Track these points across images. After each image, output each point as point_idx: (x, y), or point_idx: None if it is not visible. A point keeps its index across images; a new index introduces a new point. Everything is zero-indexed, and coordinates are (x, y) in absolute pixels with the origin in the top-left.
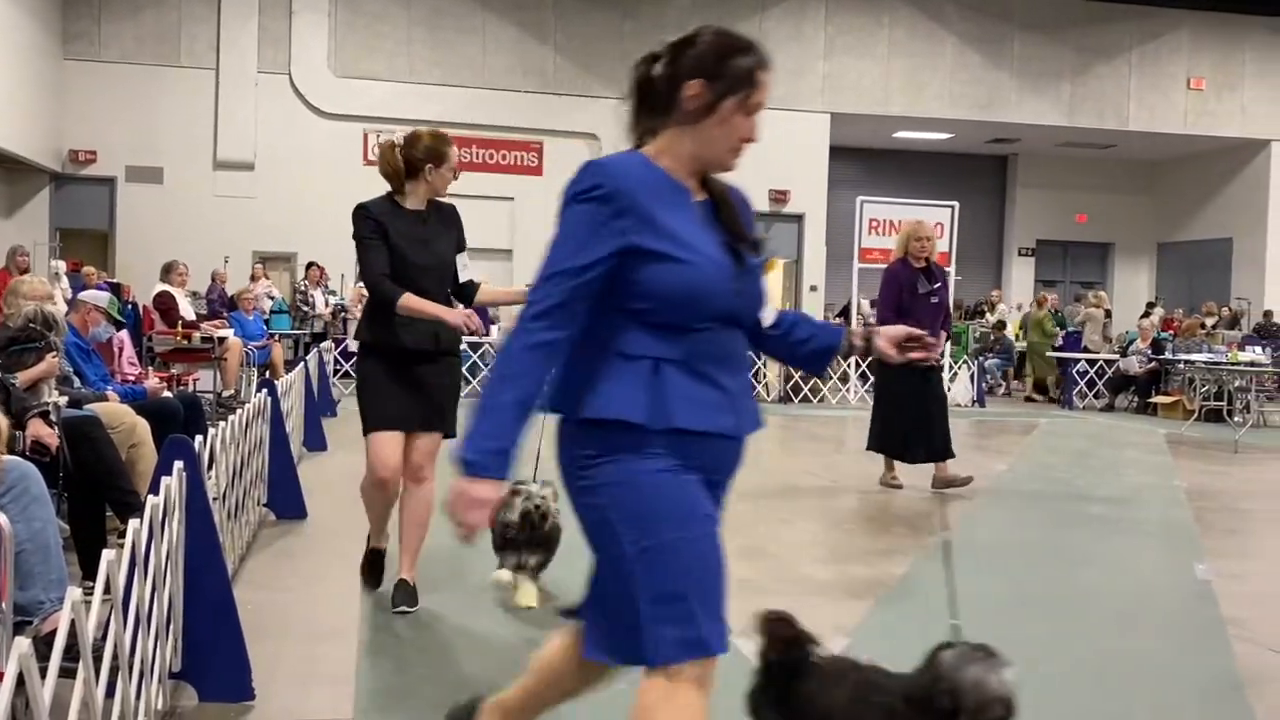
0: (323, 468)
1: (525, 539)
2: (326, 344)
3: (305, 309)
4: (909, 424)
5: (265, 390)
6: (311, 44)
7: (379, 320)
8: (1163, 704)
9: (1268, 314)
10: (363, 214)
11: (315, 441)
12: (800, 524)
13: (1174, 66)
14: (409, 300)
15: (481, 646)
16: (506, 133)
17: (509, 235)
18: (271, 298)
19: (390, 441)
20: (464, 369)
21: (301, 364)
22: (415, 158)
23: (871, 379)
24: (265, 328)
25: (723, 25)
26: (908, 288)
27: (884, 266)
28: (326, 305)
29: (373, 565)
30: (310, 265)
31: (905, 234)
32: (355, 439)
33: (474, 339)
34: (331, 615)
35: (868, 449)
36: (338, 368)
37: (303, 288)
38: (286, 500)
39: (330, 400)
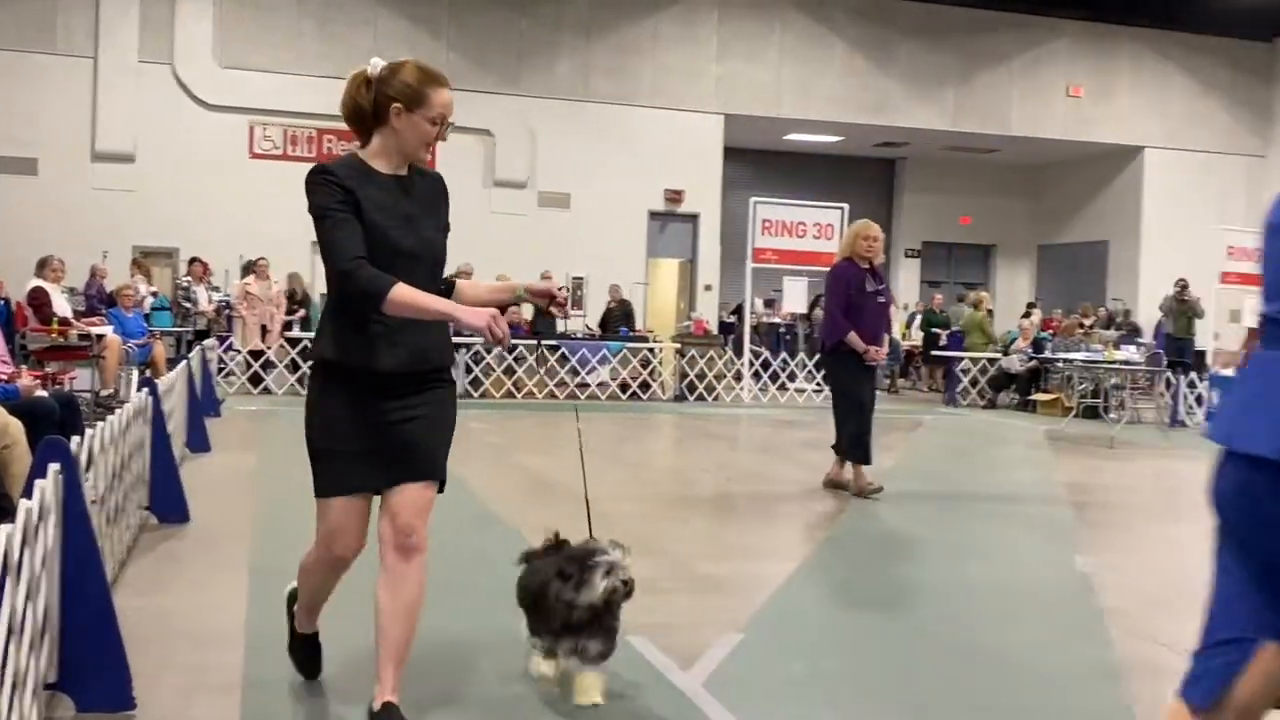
0: (206, 469)
1: (594, 623)
2: (210, 342)
3: (187, 306)
4: (858, 428)
5: (146, 389)
6: (195, 33)
7: (349, 327)
8: (1045, 693)
9: (1127, 313)
10: (325, 178)
11: (198, 442)
12: (696, 522)
13: (1054, 74)
14: (405, 295)
15: None
16: None
17: None
18: (153, 294)
19: (355, 511)
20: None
21: (184, 362)
22: (384, 95)
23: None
24: (146, 325)
25: (617, 26)
26: (856, 287)
27: (776, 266)
28: (210, 302)
29: (307, 652)
30: (193, 261)
31: (853, 233)
32: (242, 439)
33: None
34: (217, 620)
35: (850, 459)
36: (222, 366)
37: (185, 284)
38: (169, 503)
39: (214, 400)
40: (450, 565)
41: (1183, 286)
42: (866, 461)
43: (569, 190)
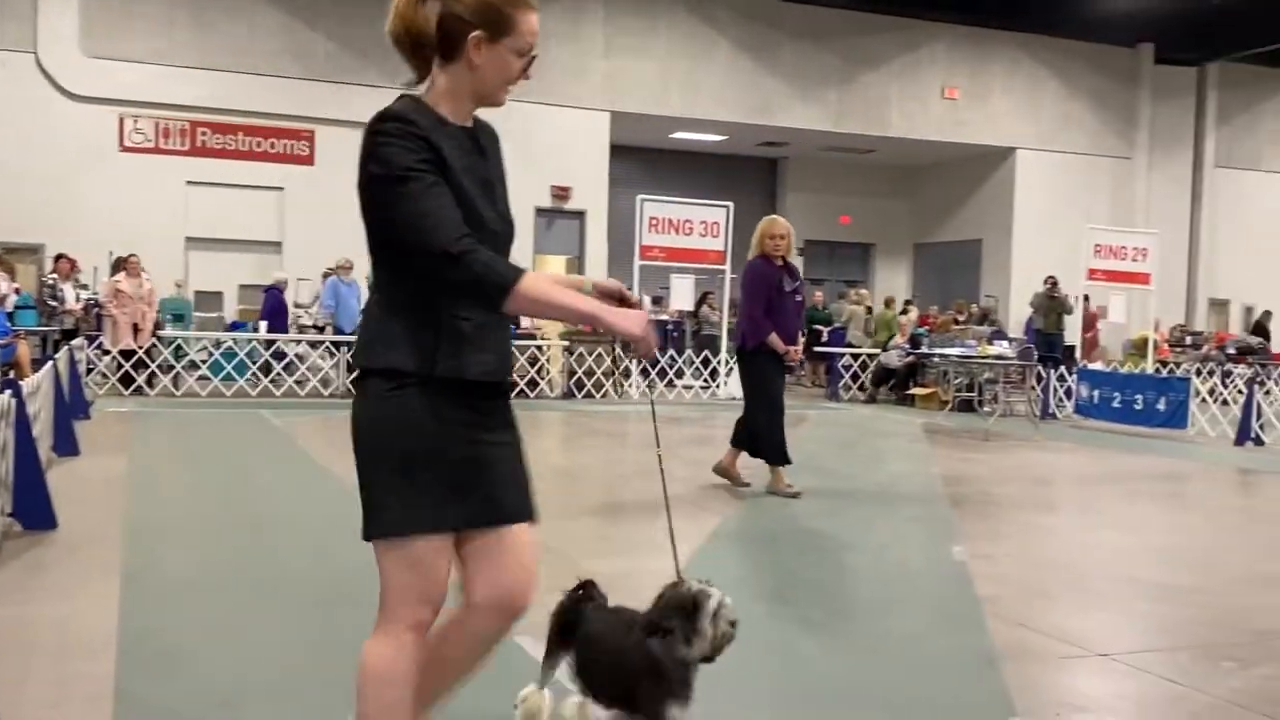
0: (75, 474)
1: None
2: (78, 341)
3: (54, 304)
4: (778, 427)
5: (9, 391)
6: (60, 21)
7: (426, 326)
8: (924, 679)
9: (986, 312)
10: (403, 127)
11: (66, 446)
12: (584, 519)
13: (931, 77)
14: (539, 288)
15: None
16: (275, 120)
17: (278, 226)
18: (16, 292)
19: (446, 553)
20: None
21: (50, 363)
22: (455, 18)
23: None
24: (9, 324)
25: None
26: (775, 285)
27: (664, 264)
28: (78, 300)
29: None
30: (59, 257)
31: (760, 232)
32: (112, 442)
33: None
34: (87, 630)
35: (771, 462)
36: (91, 367)
37: (51, 281)
38: (33, 509)
39: (83, 402)
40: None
41: (1053, 284)
42: (786, 463)
43: None
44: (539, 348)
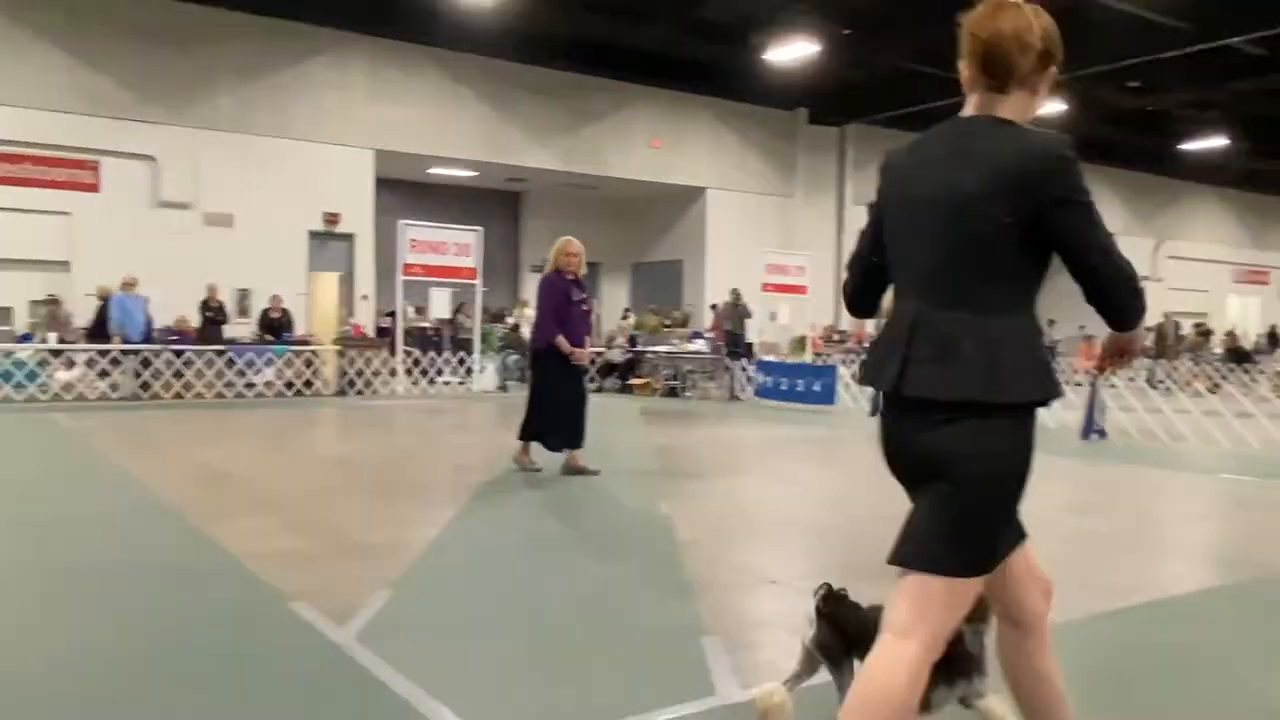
0: None
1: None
2: None
3: None
4: (560, 415)
5: None
6: None
7: (1041, 354)
8: (635, 611)
9: (686, 317)
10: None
11: None
12: (354, 499)
13: (639, 129)
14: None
15: None
16: (60, 151)
17: (67, 248)
18: None
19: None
20: None
21: None
22: (1043, 52)
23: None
24: None
25: (274, 69)
26: (564, 296)
27: (424, 279)
28: None
29: None
30: None
31: (557, 250)
32: None
33: None
34: None
35: (521, 439)
36: None
37: None
38: None
39: None
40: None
41: (736, 295)
42: (579, 445)
43: (232, 211)
44: (314, 353)
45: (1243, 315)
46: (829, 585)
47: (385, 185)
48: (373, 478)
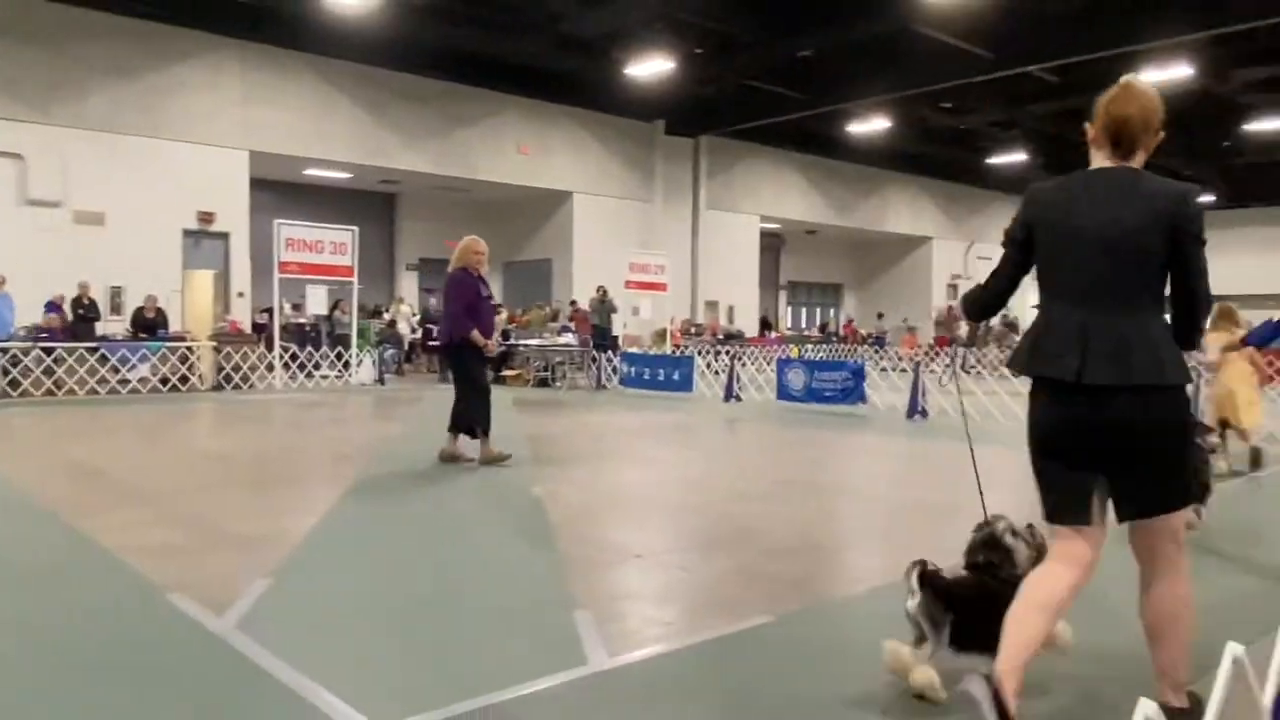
0: None
1: None
2: None
3: None
4: (477, 405)
5: None
6: None
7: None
8: (511, 584)
9: (574, 303)
10: None
11: None
12: (231, 491)
13: (508, 136)
14: None
15: None
16: None
17: None
18: None
19: None
20: None
21: None
22: (1160, 117)
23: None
24: None
25: (146, 70)
26: (476, 292)
27: (300, 276)
28: None
29: None
30: None
31: (464, 248)
32: None
33: None
34: None
35: (452, 431)
36: None
37: None
38: None
39: None
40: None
41: (603, 292)
42: (487, 434)
43: (104, 209)
44: (189, 349)
45: (1033, 308)
46: (923, 561)
47: (261, 185)
48: (250, 470)
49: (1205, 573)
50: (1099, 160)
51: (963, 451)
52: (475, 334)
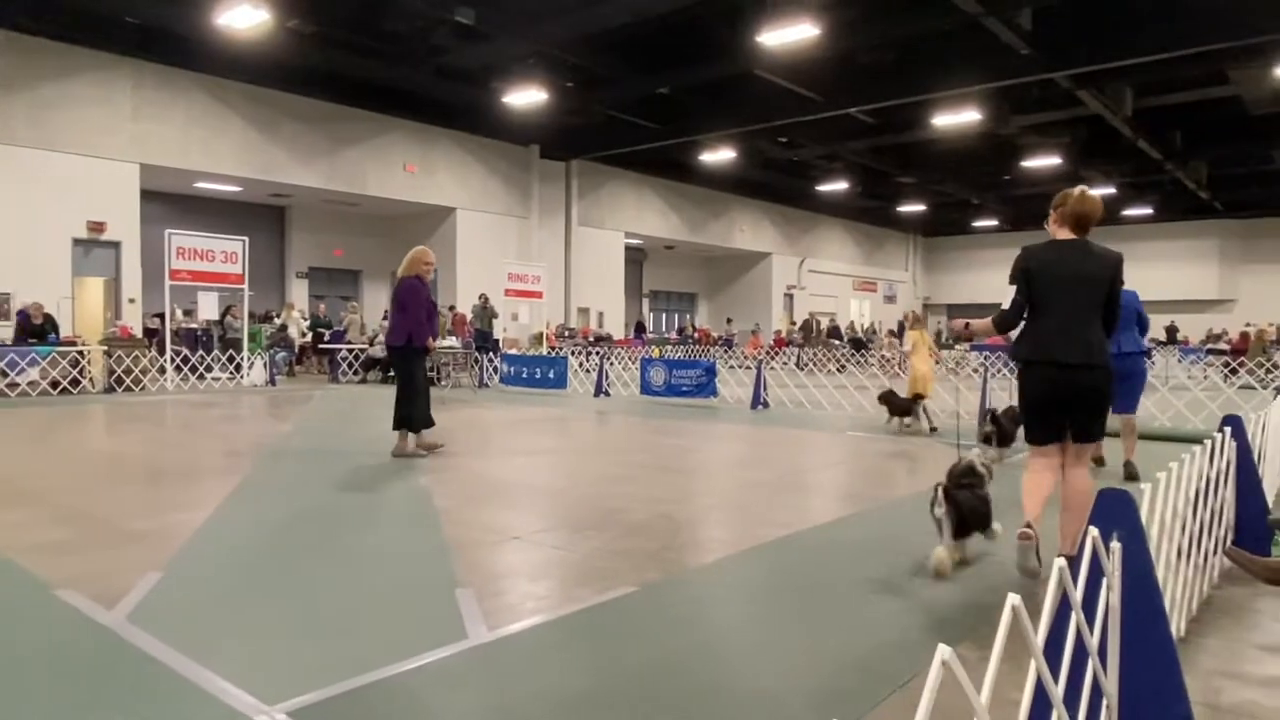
0: None
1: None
2: None
3: None
4: (420, 401)
5: None
6: None
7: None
8: (395, 570)
9: (452, 308)
10: None
11: None
12: (124, 489)
13: (395, 155)
14: None
15: None
16: None
17: None
18: None
19: None
20: None
21: None
22: (1096, 219)
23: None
24: None
25: (34, 84)
26: (429, 298)
27: (191, 284)
28: None
29: None
30: None
31: (414, 258)
32: None
33: None
34: None
35: (397, 429)
36: None
37: None
38: None
39: None
40: None
41: (485, 299)
42: (430, 426)
43: None
44: (80, 353)
45: (860, 314)
46: (941, 483)
47: (153, 197)
48: (141, 468)
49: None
50: (1063, 234)
51: (796, 435)
52: (431, 340)
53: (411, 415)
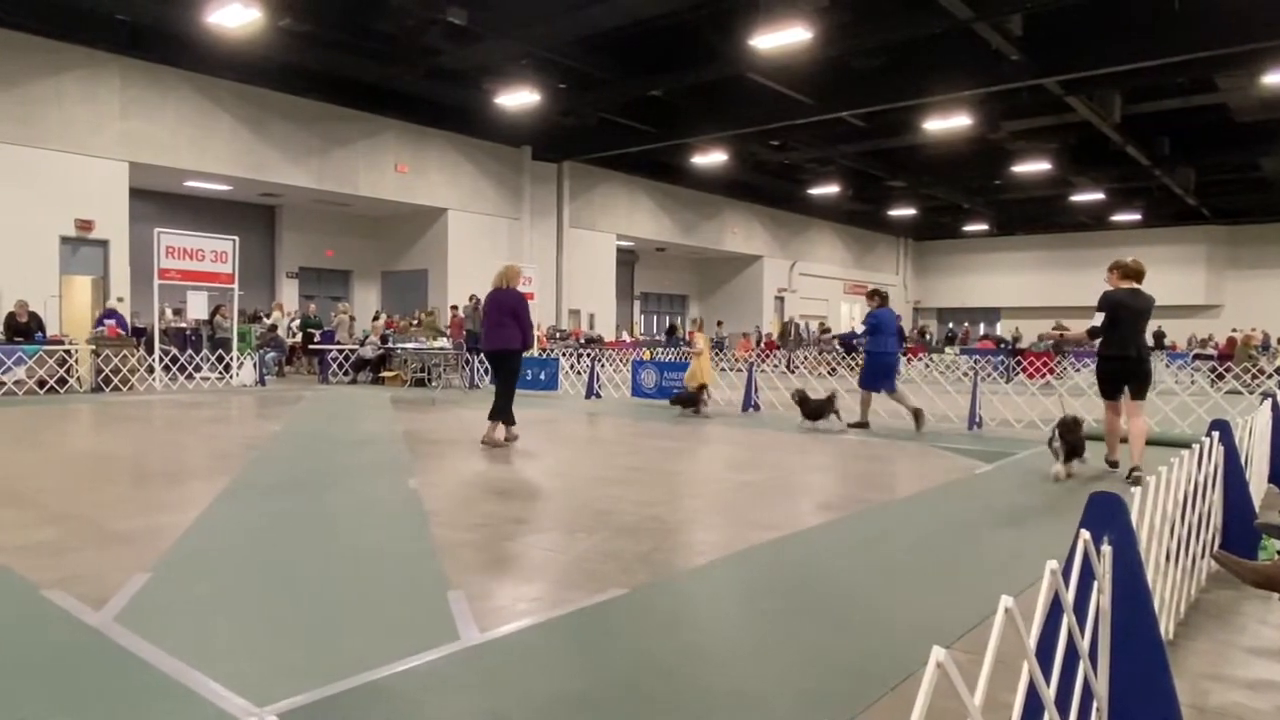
0: None
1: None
2: None
3: None
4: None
5: None
6: None
7: None
8: (387, 572)
9: (454, 308)
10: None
11: None
12: (110, 489)
13: (386, 155)
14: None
15: None
16: None
17: None
18: None
19: None
20: None
21: None
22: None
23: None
24: None
25: (21, 79)
26: (529, 310)
27: (181, 283)
28: None
29: None
30: None
31: (514, 272)
32: None
33: None
34: None
35: (493, 419)
36: None
37: None
38: None
39: None
40: None
41: (476, 300)
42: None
43: None
44: (67, 352)
45: (851, 317)
46: (1061, 419)
47: (142, 195)
48: (129, 468)
49: (997, 535)
50: (1126, 284)
51: (786, 438)
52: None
53: (509, 409)
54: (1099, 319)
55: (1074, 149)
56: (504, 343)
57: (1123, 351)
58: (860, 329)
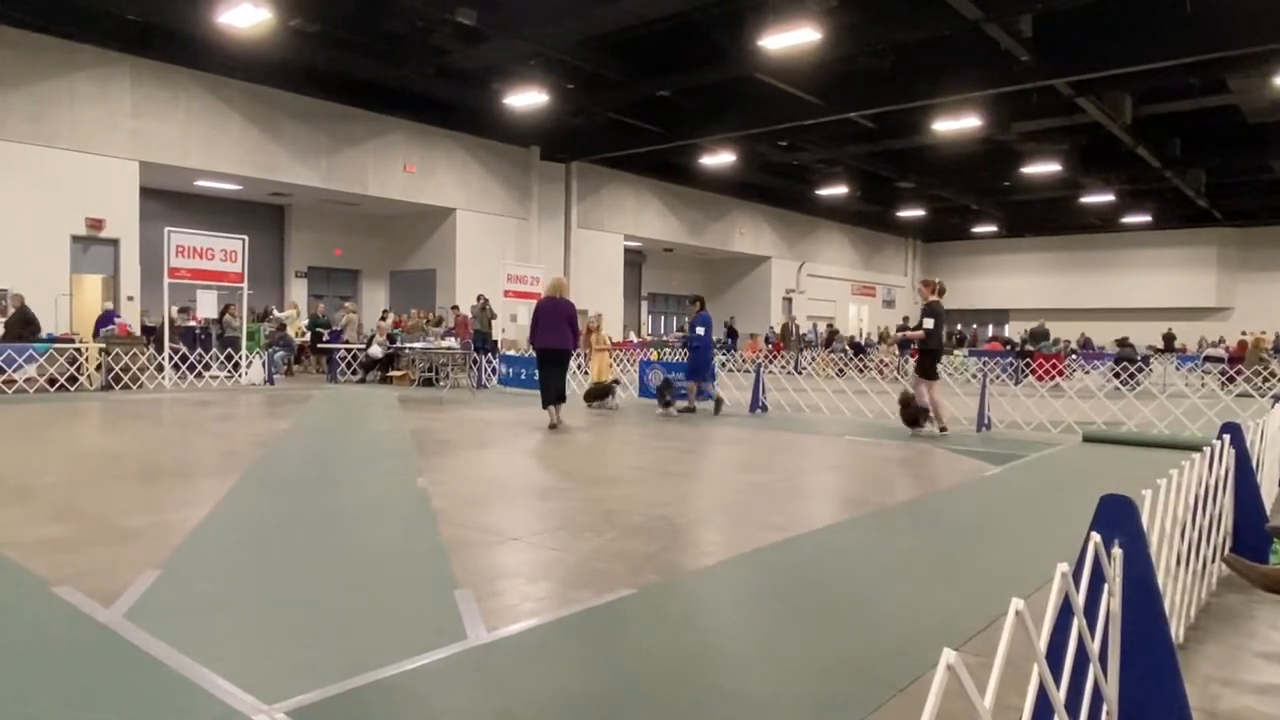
0: None
1: None
2: None
3: None
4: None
5: None
6: None
7: None
8: (396, 570)
9: (455, 308)
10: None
11: None
12: (120, 486)
13: (395, 155)
14: None
15: None
16: None
17: None
18: None
19: None
20: None
21: None
22: None
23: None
24: None
25: (33, 79)
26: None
27: (190, 282)
28: None
29: None
30: None
31: (564, 284)
32: None
33: None
34: None
35: (550, 404)
36: None
37: None
38: None
39: None
40: None
41: (484, 300)
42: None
43: None
44: (78, 350)
45: (859, 319)
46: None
47: (152, 194)
48: (138, 465)
49: (997, 540)
50: (937, 298)
51: (794, 439)
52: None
53: (563, 394)
54: (929, 323)
55: (1084, 150)
56: (560, 343)
57: (940, 345)
58: (929, 324)
